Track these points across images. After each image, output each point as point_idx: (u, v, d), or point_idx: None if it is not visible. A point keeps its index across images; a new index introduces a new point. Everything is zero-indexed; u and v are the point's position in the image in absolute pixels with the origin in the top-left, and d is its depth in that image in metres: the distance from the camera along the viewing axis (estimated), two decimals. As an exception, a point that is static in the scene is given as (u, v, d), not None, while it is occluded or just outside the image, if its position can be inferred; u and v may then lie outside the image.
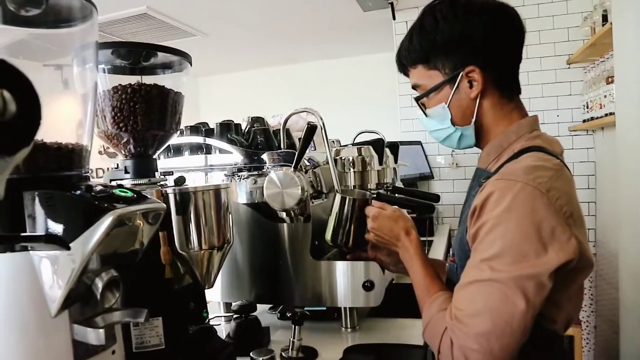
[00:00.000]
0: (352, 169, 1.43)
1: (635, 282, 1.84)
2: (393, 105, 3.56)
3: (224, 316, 1.42)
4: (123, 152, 0.98)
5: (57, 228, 0.63)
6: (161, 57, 1.02)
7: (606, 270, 2.77)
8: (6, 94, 0.33)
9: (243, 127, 1.54)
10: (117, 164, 0.99)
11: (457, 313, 0.75)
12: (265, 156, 1.33)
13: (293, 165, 1.18)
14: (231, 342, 1.17)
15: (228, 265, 1.30)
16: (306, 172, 1.26)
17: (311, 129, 1.16)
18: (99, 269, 0.65)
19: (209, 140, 1.45)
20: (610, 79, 2.32)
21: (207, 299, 1.07)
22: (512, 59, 0.90)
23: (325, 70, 4.78)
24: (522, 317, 0.70)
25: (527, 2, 2.99)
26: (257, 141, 1.44)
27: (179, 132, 1.06)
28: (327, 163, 1.23)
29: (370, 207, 1.08)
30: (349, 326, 1.33)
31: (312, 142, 1.42)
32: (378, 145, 1.54)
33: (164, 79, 1.02)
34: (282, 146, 1.37)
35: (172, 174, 1.03)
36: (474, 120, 0.90)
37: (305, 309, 1.17)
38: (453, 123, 0.91)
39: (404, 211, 1.10)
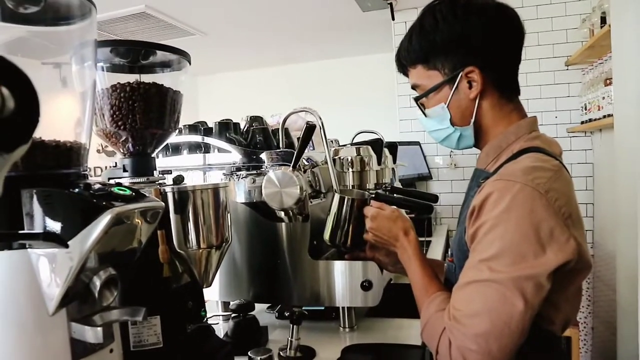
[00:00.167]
0: (350, 169, 1.43)
1: (632, 284, 1.84)
2: (392, 105, 3.56)
3: (222, 315, 1.42)
4: (121, 151, 0.98)
5: (55, 226, 0.63)
6: (160, 55, 1.02)
7: (603, 272, 2.78)
8: (4, 90, 0.33)
9: (242, 127, 1.54)
10: (116, 163, 0.98)
11: (456, 313, 0.75)
12: (263, 155, 1.33)
13: (292, 165, 1.18)
14: (229, 341, 1.17)
15: (226, 264, 1.30)
16: (305, 171, 1.26)
17: (310, 129, 1.16)
18: (97, 267, 0.65)
19: (208, 139, 1.44)
20: (608, 81, 2.33)
21: (205, 297, 1.07)
22: (512, 59, 0.90)
23: (324, 70, 4.78)
24: (521, 317, 0.70)
25: (526, 3, 3.00)
26: (255, 140, 1.44)
27: (177, 130, 1.06)
28: (326, 163, 1.23)
29: (369, 207, 1.08)
30: (347, 326, 1.33)
31: (310, 142, 1.42)
32: (377, 145, 1.54)
33: (162, 78, 1.02)
34: (280, 145, 1.37)
35: (171, 173, 1.03)
36: (473, 120, 0.90)
37: (304, 308, 1.17)
38: (452, 123, 0.91)
39: (403, 211, 1.10)
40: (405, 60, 0.94)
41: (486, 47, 0.86)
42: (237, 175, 1.31)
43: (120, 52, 0.98)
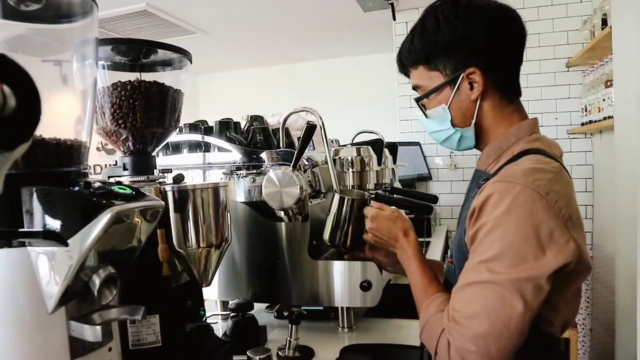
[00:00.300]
0: (350, 169, 1.43)
1: (631, 286, 1.84)
2: (392, 105, 3.56)
3: (221, 314, 1.42)
4: (122, 149, 0.98)
5: (55, 224, 0.63)
6: (161, 54, 1.02)
7: (602, 274, 2.78)
8: (6, 88, 0.33)
9: (242, 126, 1.54)
10: (116, 161, 0.98)
11: (455, 314, 0.75)
12: (264, 155, 1.33)
13: (292, 165, 1.18)
14: (228, 340, 1.17)
15: (226, 263, 1.30)
16: (305, 171, 1.26)
17: (310, 129, 1.16)
18: (96, 266, 0.65)
19: (208, 138, 1.44)
20: (609, 83, 2.33)
21: (205, 297, 1.07)
22: (513, 61, 0.90)
23: (325, 69, 4.78)
24: (520, 319, 0.70)
25: (527, 4, 3.00)
26: (256, 140, 1.44)
27: (178, 129, 1.06)
28: (326, 163, 1.23)
29: (369, 207, 1.08)
30: (345, 326, 1.33)
31: (311, 142, 1.42)
32: (377, 145, 1.54)
33: (163, 76, 1.02)
34: (281, 145, 1.37)
35: (171, 172, 1.03)
36: (474, 121, 0.89)
37: (302, 308, 1.17)
38: (453, 124, 0.91)
39: (402, 212, 1.10)
40: (406, 61, 0.94)
41: (488, 48, 0.86)
42: (237, 174, 1.31)
43: (121, 51, 0.98)
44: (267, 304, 1.51)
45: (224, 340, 1.13)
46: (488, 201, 0.76)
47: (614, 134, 2.18)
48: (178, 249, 0.94)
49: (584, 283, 0.85)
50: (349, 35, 3.96)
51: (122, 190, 0.68)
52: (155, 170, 0.99)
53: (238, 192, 1.31)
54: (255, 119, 1.55)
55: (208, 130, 1.50)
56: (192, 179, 1.41)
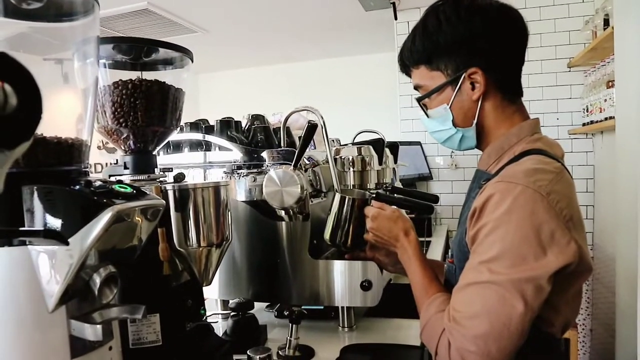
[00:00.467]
0: (351, 169, 1.43)
1: (631, 286, 1.84)
2: (393, 105, 3.56)
3: (222, 314, 1.42)
4: (123, 148, 0.98)
5: (55, 223, 0.62)
6: (162, 53, 1.02)
7: (603, 274, 2.78)
8: (7, 87, 0.33)
9: (243, 125, 1.53)
10: (117, 160, 0.98)
11: (455, 315, 0.75)
12: (265, 154, 1.33)
13: (293, 164, 1.18)
14: (228, 339, 1.17)
15: (226, 262, 1.30)
16: (306, 170, 1.26)
17: (312, 128, 1.16)
18: (97, 265, 0.65)
19: (209, 137, 1.44)
20: (610, 83, 2.32)
21: (205, 296, 1.07)
22: (515, 61, 0.90)
23: (326, 69, 4.78)
24: (520, 319, 0.70)
25: (529, 4, 3.00)
26: (257, 139, 1.44)
27: (178, 128, 1.06)
28: (327, 162, 1.23)
29: (370, 207, 1.08)
30: (346, 325, 1.33)
31: (312, 141, 1.42)
32: (378, 145, 1.54)
33: (164, 75, 1.02)
34: (282, 144, 1.37)
35: (172, 170, 1.03)
36: (475, 121, 0.89)
37: (303, 307, 1.17)
38: (454, 124, 0.91)
39: (403, 211, 1.10)
40: (408, 61, 0.94)
41: (489, 48, 0.86)
42: (238, 173, 1.31)
43: (122, 49, 0.98)
44: (267, 303, 1.51)
45: (224, 340, 1.13)
46: (489, 201, 0.76)
47: (615, 134, 2.18)
48: (179, 248, 0.94)
49: (585, 283, 0.85)
50: (350, 34, 3.96)
51: (122, 189, 0.68)
52: (156, 169, 0.99)
53: (239, 191, 1.31)
54: (256, 118, 1.55)
55: (209, 129, 1.50)
56: (193, 178, 1.41)
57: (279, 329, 1.34)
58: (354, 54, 4.63)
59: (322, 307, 1.35)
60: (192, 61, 1.06)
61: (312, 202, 1.27)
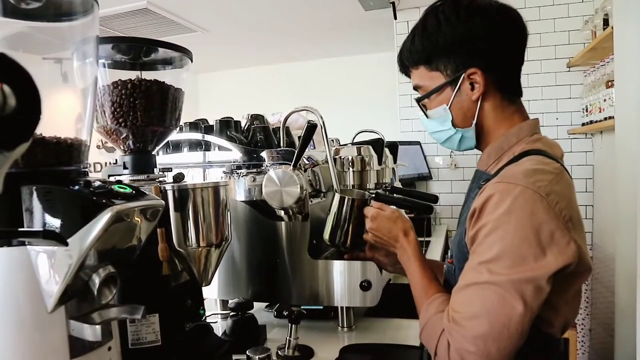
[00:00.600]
0: (351, 169, 1.43)
1: (631, 286, 1.84)
2: (393, 105, 3.56)
3: (221, 314, 1.42)
4: (122, 148, 0.98)
5: (55, 223, 0.62)
6: (162, 52, 1.02)
7: (602, 274, 2.78)
8: (6, 88, 0.33)
9: (242, 125, 1.53)
10: (116, 160, 0.98)
11: (455, 315, 0.75)
12: (264, 154, 1.33)
13: (292, 164, 1.18)
14: (227, 339, 1.17)
15: (225, 262, 1.30)
16: (305, 170, 1.26)
17: (311, 128, 1.15)
18: (96, 265, 0.65)
19: (208, 137, 1.44)
20: (610, 83, 2.32)
21: (204, 296, 1.07)
22: (514, 61, 0.90)
23: (326, 68, 4.78)
24: (520, 320, 0.70)
25: (529, 4, 3.00)
26: (256, 139, 1.44)
27: (178, 128, 1.05)
28: (327, 162, 1.23)
29: (369, 207, 1.08)
30: (345, 326, 1.33)
31: (311, 141, 1.41)
32: (377, 145, 1.54)
33: (164, 75, 1.01)
34: (281, 144, 1.37)
35: (171, 170, 1.03)
36: (474, 122, 0.89)
37: (302, 307, 1.17)
38: (454, 125, 0.91)
39: (403, 212, 1.10)
40: (407, 61, 0.94)
41: (489, 48, 0.85)
42: (237, 173, 1.31)
43: (122, 49, 0.98)
44: (266, 303, 1.51)
45: (223, 340, 1.13)
46: (488, 202, 0.76)
47: (615, 134, 2.18)
48: (178, 248, 0.93)
49: (584, 283, 0.85)
50: (350, 34, 3.96)
51: (122, 190, 0.68)
52: (155, 169, 0.99)
53: (238, 191, 1.30)
54: (256, 117, 1.55)
55: (208, 129, 1.50)
56: (192, 177, 1.41)
57: (279, 329, 1.34)
58: (353, 54, 4.63)
59: (321, 307, 1.35)
60: (192, 61, 1.06)
61: (311, 202, 1.27)
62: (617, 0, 2.11)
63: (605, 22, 2.44)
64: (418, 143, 3.28)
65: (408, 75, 0.96)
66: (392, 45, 3.45)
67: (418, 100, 0.96)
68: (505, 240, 0.73)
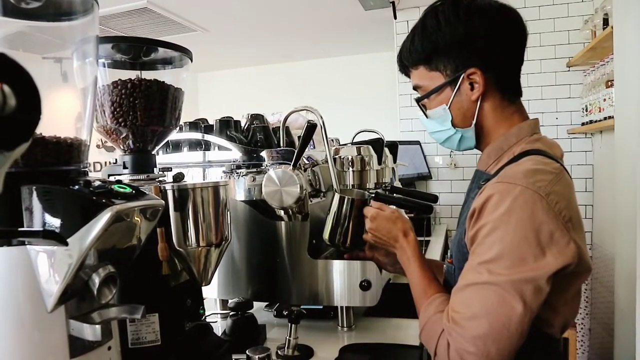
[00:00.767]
0: (351, 168, 1.43)
1: (630, 286, 1.84)
2: (392, 104, 3.56)
3: (221, 313, 1.42)
4: (122, 147, 0.97)
5: (54, 223, 0.62)
6: (162, 52, 1.02)
7: (602, 274, 2.78)
8: (6, 88, 0.33)
9: (242, 124, 1.53)
10: (116, 159, 0.98)
11: (454, 315, 0.75)
12: (264, 154, 1.33)
13: (292, 164, 1.18)
14: (227, 339, 1.17)
15: (225, 262, 1.30)
16: (305, 170, 1.26)
17: (311, 128, 1.15)
18: (96, 265, 0.65)
19: (208, 137, 1.44)
20: (609, 83, 2.32)
21: (204, 295, 1.07)
22: (514, 61, 0.90)
23: (326, 68, 4.78)
24: (519, 320, 0.70)
25: (528, 4, 3.00)
26: (256, 138, 1.44)
27: (178, 128, 1.05)
28: (326, 162, 1.23)
29: (369, 207, 1.08)
30: (345, 325, 1.34)
31: (311, 141, 1.41)
32: (377, 144, 1.54)
33: (164, 75, 1.01)
34: (281, 144, 1.37)
35: (171, 170, 1.03)
36: (474, 122, 0.89)
37: (302, 307, 1.17)
38: (454, 125, 0.91)
39: (402, 211, 1.10)
40: (407, 61, 0.94)
41: (488, 48, 0.85)
42: (237, 173, 1.31)
43: (121, 49, 0.98)
44: (266, 303, 1.51)
45: (223, 339, 1.13)
46: (488, 202, 0.76)
47: (615, 134, 2.18)
48: (178, 248, 0.93)
49: (584, 283, 0.85)
50: (350, 33, 3.96)
51: (122, 189, 0.68)
52: (155, 169, 0.99)
53: (238, 191, 1.30)
54: (256, 117, 1.55)
55: (208, 129, 1.50)
56: (192, 177, 1.41)
57: (278, 329, 1.34)
58: (353, 53, 4.63)
59: (321, 307, 1.35)
60: (192, 60, 1.06)
61: (311, 201, 1.27)
62: (616, 0, 2.11)
63: (605, 22, 2.45)
64: (418, 143, 3.28)
65: (408, 75, 0.96)
66: (391, 45, 3.45)
67: (418, 100, 0.96)
68: (505, 241, 0.73)
